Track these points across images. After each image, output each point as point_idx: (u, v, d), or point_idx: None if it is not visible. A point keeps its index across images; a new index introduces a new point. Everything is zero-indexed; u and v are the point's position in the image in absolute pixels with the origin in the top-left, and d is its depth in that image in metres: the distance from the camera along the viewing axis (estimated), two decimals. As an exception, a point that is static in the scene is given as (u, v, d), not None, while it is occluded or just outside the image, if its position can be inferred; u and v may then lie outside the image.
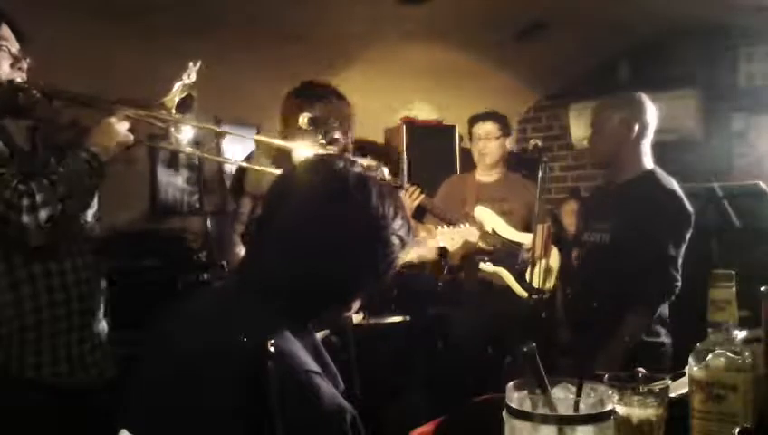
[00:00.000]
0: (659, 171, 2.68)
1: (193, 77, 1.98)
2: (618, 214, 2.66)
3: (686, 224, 2.58)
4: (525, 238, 3.43)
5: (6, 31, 1.82)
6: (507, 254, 3.48)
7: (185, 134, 1.99)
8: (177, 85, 1.96)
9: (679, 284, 2.55)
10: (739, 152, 4.95)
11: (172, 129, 1.97)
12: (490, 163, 3.64)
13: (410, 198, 3.38)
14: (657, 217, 2.54)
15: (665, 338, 2.63)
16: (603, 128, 2.71)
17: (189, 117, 1.98)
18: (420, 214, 3.61)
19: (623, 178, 2.70)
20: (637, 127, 2.64)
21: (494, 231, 3.50)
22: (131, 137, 1.92)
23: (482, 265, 3.48)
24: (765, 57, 4.88)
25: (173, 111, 1.94)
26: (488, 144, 3.62)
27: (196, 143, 2.09)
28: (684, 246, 2.57)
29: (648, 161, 2.69)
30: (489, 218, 3.53)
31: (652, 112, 2.68)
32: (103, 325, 1.96)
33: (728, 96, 4.95)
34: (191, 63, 1.99)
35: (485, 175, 3.68)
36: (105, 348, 1.95)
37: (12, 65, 1.82)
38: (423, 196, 3.44)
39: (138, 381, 1.19)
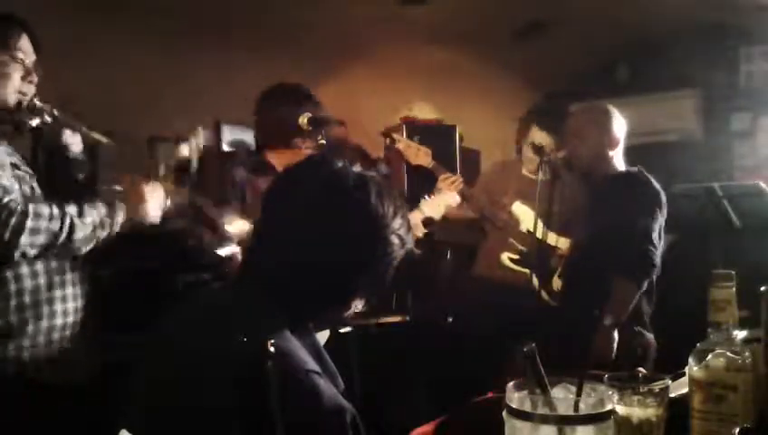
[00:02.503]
0: (634, 169, 2.81)
1: (201, 141, 2.01)
2: (599, 211, 2.79)
3: (653, 199, 2.68)
4: (562, 243, 3.28)
5: (26, 43, 1.83)
6: (539, 256, 3.28)
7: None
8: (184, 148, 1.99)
9: (656, 258, 2.61)
10: (739, 152, 4.95)
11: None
12: (530, 170, 3.41)
13: (451, 185, 3.19)
14: (625, 195, 2.67)
15: (646, 333, 2.73)
16: (582, 137, 2.81)
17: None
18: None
19: (600, 181, 2.82)
20: (614, 135, 2.78)
21: (528, 231, 3.32)
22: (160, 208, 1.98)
23: (507, 262, 3.37)
24: (765, 57, 4.88)
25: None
26: (535, 159, 3.27)
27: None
28: (657, 224, 2.65)
29: (621, 166, 2.82)
30: (526, 217, 3.35)
31: (622, 123, 2.82)
32: (87, 326, 1.95)
33: (728, 96, 4.95)
34: (200, 128, 2.01)
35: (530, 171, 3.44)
36: (87, 348, 1.95)
37: (23, 78, 1.84)
38: (463, 185, 3.22)
39: (138, 381, 1.19)
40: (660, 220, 2.67)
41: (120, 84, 3.22)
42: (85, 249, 1.85)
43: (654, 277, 2.67)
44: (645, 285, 2.63)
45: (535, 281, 3.33)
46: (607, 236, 2.62)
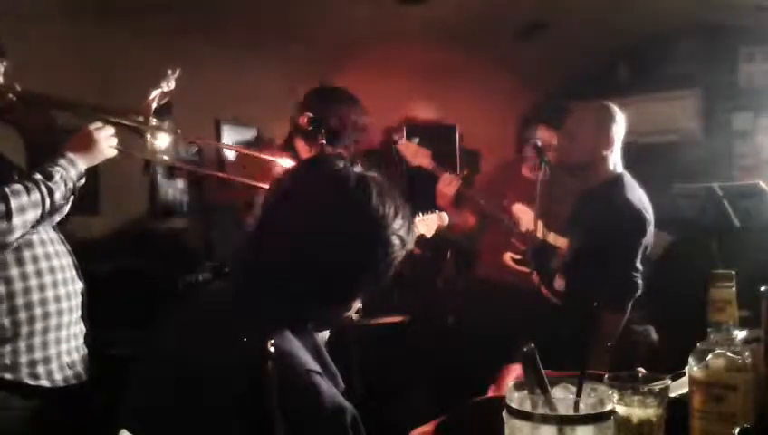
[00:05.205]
0: (627, 177, 2.77)
1: (172, 84, 1.97)
2: (584, 220, 2.79)
3: (639, 232, 2.68)
4: (561, 242, 3.24)
5: None
6: (539, 255, 3.26)
7: (161, 141, 1.99)
8: (156, 93, 1.95)
9: (638, 283, 2.66)
10: (739, 152, 4.96)
11: (149, 136, 1.97)
12: (532, 169, 3.43)
13: (449, 186, 3.23)
14: (613, 227, 2.65)
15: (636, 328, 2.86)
16: (579, 134, 2.78)
17: (168, 124, 1.98)
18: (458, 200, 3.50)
19: (594, 182, 2.78)
20: (611, 134, 2.73)
21: (528, 231, 3.29)
22: (113, 144, 1.92)
23: (510, 262, 3.36)
24: (765, 57, 4.88)
25: (151, 118, 1.94)
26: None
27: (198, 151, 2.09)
28: (641, 250, 2.68)
29: (618, 166, 2.78)
30: (527, 218, 3.32)
31: (622, 120, 2.79)
32: (81, 327, 1.94)
33: (728, 96, 4.96)
34: (169, 71, 1.98)
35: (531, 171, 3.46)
36: (83, 350, 1.94)
37: None
38: (460, 184, 3.30)
39: (138, 382, 1.19)
40: (644, 241, 2.69)
41: (118, 83, 3.22)
42: (67, 207, 1.83)
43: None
44: (629, 308, 2.69)
45: (537, 282, 3.35)
46: (592, 249, 2.66)
